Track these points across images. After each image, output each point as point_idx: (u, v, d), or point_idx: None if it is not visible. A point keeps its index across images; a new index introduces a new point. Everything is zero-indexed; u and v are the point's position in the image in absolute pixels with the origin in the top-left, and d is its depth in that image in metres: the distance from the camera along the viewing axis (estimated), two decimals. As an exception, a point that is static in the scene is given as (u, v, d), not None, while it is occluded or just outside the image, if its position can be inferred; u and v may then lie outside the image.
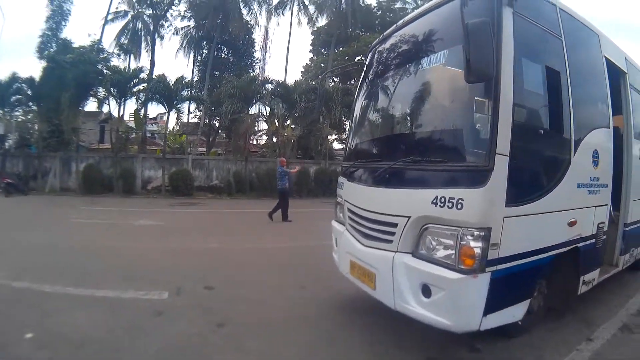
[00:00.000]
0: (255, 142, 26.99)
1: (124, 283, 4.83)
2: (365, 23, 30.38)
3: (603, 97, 4.03)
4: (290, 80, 24.31)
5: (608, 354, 3.24)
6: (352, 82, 26.11)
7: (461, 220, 2.67)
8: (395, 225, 3.12)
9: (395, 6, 30.84)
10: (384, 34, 4.28)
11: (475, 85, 2.70)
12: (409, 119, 3.77)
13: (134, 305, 4.17)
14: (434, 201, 2.81)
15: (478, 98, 2.81)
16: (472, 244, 2.62)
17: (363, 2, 30.06)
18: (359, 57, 25.48)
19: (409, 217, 3.00)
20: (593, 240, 3.75)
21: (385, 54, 4.11)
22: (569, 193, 3.32)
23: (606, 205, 3.92)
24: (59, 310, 3.93)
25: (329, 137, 24.55)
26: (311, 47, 33.31)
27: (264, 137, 26.50)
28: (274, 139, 22.37)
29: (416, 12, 3.86)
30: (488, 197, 2.61)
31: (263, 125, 25.28)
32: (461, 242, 2.66)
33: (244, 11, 27.60)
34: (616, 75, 4.46)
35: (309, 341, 3.47)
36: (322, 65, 29.13)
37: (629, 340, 3.51)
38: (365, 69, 4.44)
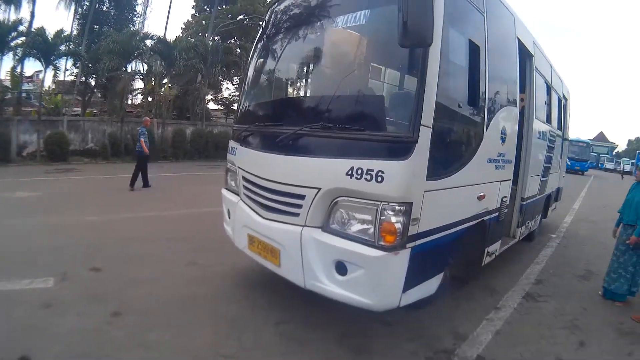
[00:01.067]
0: (131, 102, 24.82)
1: (5, 271, 4.01)
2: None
3: (513, 76, 4.17)
4: (171, 37, 22.87)
5: (519, 322, 3.43)
6: (232, 40, 25.33)
7: (381, 194, 2.49)
8: (302, 197, 2.85)
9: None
10: None
11: (402, 52, 2.49)
12: (320, 82, 3.46)
13: (19, 299, 3.45)
14: (349, 172, 2.58)
15: (404, 65, 2.63)
16: (394, 219, 2.46)
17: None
18: (241, 16, 24.38)
19: (319, 189, 2.75)
20: (497, 214, 3.94)
21: (294, 9, 3.64)
22: (480, 168, 3.38)
23: (509, 180, 4.13)
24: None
25: (206, 97, 23.73)
26: (194, 4, 30.45)
27: (140, 97, 24.49)
28: (150, 99, 20.81)
29: None
30: (411, 170, 2.46)
31: (140, 84, 23.17)
32: (381, 218, 2.48)
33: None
34: (524, 56, 4.67)
35: (212, 326, 3.15)
36: (204, 22, 27.10)
37: (535, 308, 3.77)
38: (265, 22, 3.90)
